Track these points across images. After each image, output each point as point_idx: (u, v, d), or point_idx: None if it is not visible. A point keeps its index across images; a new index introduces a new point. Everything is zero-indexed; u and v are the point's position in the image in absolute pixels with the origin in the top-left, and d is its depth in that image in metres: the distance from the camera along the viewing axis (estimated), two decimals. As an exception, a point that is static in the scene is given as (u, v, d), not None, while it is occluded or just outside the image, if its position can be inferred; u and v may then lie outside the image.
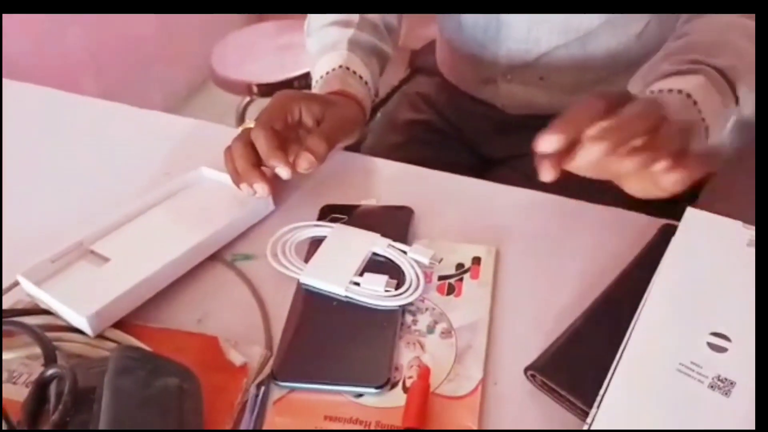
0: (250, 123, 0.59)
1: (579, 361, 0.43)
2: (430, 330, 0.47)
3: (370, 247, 0.52)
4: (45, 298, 0.48)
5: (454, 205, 0.58)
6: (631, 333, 0.42)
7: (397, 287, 0.49)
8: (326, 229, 0.54)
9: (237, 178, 0.56)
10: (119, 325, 0.48)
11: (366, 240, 0.53)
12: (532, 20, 0.72)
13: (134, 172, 0.65)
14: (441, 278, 0.51)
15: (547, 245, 0.53)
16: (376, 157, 0.66)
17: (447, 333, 0.47)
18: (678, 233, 0.46)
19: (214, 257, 0.54)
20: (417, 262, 0.51)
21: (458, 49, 0.82)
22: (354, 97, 0.64)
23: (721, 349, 0.40)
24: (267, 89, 1.56)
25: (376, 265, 0.51)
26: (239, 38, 1.68)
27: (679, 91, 0.50)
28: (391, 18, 0.75)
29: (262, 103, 1.82)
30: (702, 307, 0.42)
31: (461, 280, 0.50)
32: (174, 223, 0.56)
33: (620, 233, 0.53)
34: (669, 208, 0.80)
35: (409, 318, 0.48)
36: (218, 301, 0.51)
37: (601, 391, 0.40)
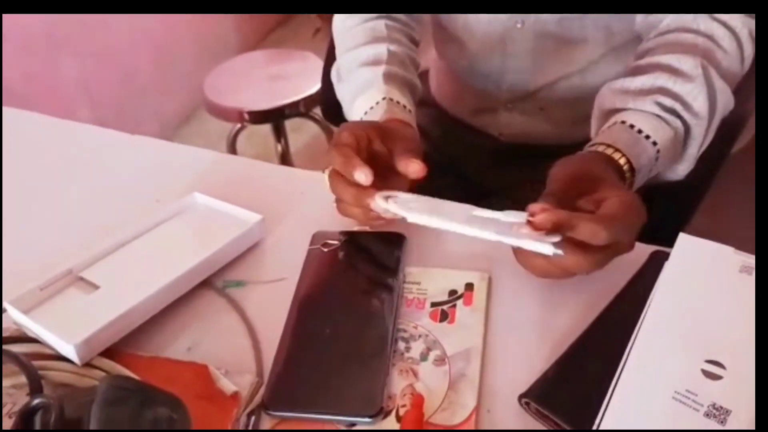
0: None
1: (573, 389, 0.43)
2: (424, 357, 0.46)
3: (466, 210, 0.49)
4: (32, 326, 0.47)
5: (446, 231, 0.58)
6: (626, 360, 0.42)
7: None
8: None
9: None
10: (108, 353, 0.47)
11: (457, 207, 0.50)
12: (537, 51, 0.73)
13: (126, 198, 0.65)
14: (434, 305, 0.50)
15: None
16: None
17: (440, 360, 0.46)
18: (670, 259, 0.47)
19: (205, 284, 0.54)
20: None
21: (459, 76, 0.82)
22: (403, 121, 0.63)
23: (716, 377, 0.40)
24: (258, 116, 1.57)
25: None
26: (231, 67, 1.70)
27: (654, 143, 0.55)
28: (414, 53, 0.75)
29: (253, 129, 1.83)
30: (696, 334, 0.42)
31: (454, 306, 0.50)
32: (165, 249, 0.56)
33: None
34: (660, 233, 0.81)
35: (402, 345, 0.47)
36: (209, 329, 0.51)
37: (597, 420, 0.39)
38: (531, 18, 0.70)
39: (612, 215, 0.46)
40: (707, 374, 0.40)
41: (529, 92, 0.77)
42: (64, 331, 0.45)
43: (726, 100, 0.59)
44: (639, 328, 0.43)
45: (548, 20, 0.70)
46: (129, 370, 0.45)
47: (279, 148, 1.75)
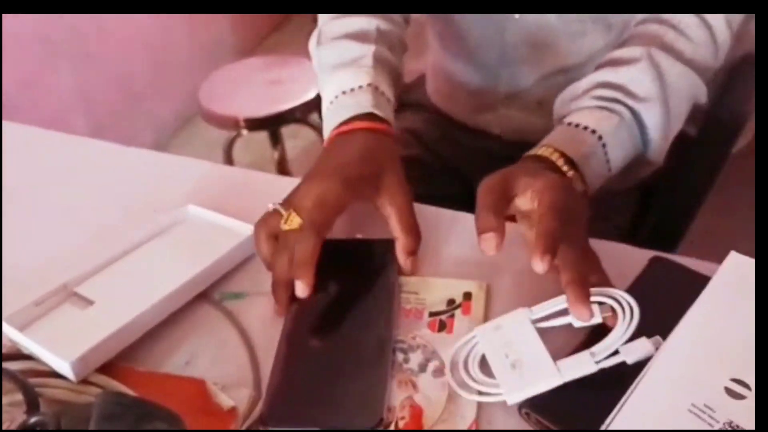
0: (291, 221, 0.52)
1: (574, 398, 0.43)
2: (422, 368, 0.46)
3: (526, 321, 0.46)
4: (27, 343, 0.47)
5: (443, 239, 0.58)
6: (649, 368, 0.41)
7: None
8: (481, 336, 0.46)
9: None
10: (104, 368, 0.47)
11: (516, 320, 0.46)
12: (535, 43, 0.72)
13: (120, 210, 0.65)
14: (432, 314, 0.50)
15: (538, 279, 0.53)
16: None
17: (439, 371, 0.46)
18: (717, 275, 0.46)
19: (202, 296, 0.53)
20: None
21: (457, 75, 0.82)
22: (385, 121, 0.60)
23: (739, 396, 0.39)
24: (254, 123, 1.57)
25: (551, 333, 0.45)
26: (227, 73, 1.69)
27: (593, 131, 0.54)
28: (403, 32, 0.71)
29: (250, 136, 1.83)
30: (727, 351, 0.41)
31: (453, 316, 0.50)
32: (160, 262, 0.55)
33: (610, 265, 0.53)
34: (662, 235, 0.81)
35: (400, 356, 0.47)
36: (206, 343, 0.50)
37: (608, 421, 0.39)
38: None
39: (545, 206, 0.46)
40: (730, 392, 0.39)
41: (527, 86, 0.76)
42: (60, 348, 0.45)
43: (690, 85, 0.59)
44: (669, 338, 0.43)
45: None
46: (126, 385, 0.45)
47: (276, 155, 1.75)
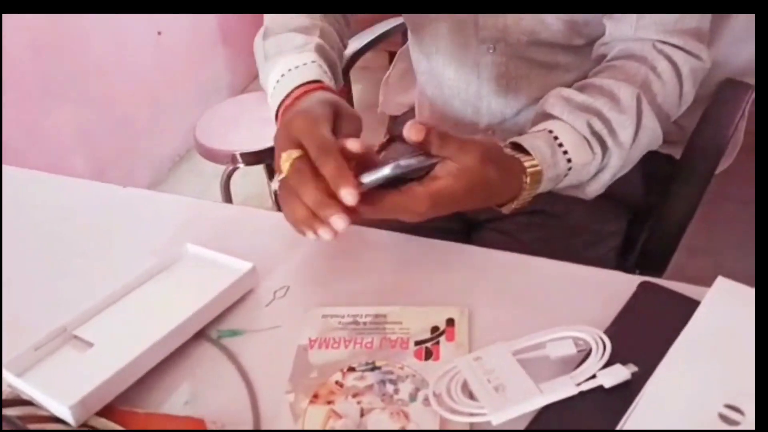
0: (293, 153, 0.52)
1: (566, 424, 0.43)
2: (413, 398, 0.47)
3: (506, 352, 0.47)
4: (26, 388, 0.47)
5: (431, 270, 0.59)
6: (642, 395, 0.42)
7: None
8: (462, 365, 0.47)
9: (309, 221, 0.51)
10: (104, 411, 0.47)
11: (495, 352, 0.48)
12: (510, 76, 0.75)
13: (118, 251, 0.66)
14: (417, 343, 0.51)
15: (522, 304, 0.54)
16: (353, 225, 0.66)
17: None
18: (705, 301, 0.47)
19: (200, 335, 0.54)
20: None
21: (440, 106, 0.85)
22: (330, 89, 0.62)
23: (733, 422, 0.39)
24: (250, 158, 1.59)
25: (530, 363, 0.47)
26: (222, 110, 1.72)
27: (569, 159, 0.57)
28: (341, 37, 0.75)
29: (246, 170, 1.84)
30: (720, 377, 0.42)
31: (438, 343, 0.50)
32: (158, 302, 0.56)
33: (597, 292, 0.54)
34: (650, 257, 0.82)
35: (390, 387, 0.48)
36: (205, 381, 0.51)
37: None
38: (501, 44, 0.73)
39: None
40: (724, 418, 0.40)
41: (507, 117, 0.79)
42: (59, 393, 0.45)
43: (652, 137, 0.62)
44: (661, 364, 0.43)
45: (518, 45, 0.72)
46: (126, 428, 0.46)
47: (272, 187, 1.76)
